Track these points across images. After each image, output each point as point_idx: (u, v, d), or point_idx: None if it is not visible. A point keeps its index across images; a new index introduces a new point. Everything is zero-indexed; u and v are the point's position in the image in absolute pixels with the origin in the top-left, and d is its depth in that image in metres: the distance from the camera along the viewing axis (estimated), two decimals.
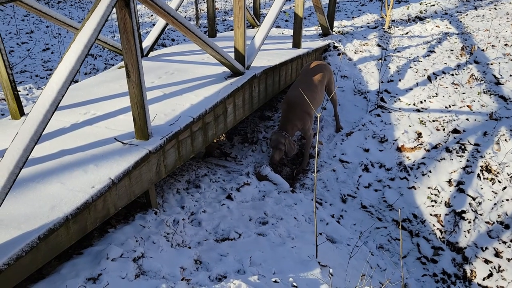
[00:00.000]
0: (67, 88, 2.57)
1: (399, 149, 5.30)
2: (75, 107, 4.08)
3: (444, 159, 5.08)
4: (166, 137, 3.47)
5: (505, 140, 5.17)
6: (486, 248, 4.46)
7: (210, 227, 3.92)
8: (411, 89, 6.11)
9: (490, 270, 4.31)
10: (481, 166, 4.94)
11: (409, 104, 5.84)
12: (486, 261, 4.38)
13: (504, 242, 4.47)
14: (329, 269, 3.44)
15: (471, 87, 5.96)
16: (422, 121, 5.55)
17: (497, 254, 4.41)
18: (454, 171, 4.97)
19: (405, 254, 4.59)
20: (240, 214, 4.23)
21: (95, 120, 3.82)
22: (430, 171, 5.01)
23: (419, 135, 5.40)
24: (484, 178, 4.86)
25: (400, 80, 6.28)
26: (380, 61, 6.71)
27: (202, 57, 5.60)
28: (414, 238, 4.68)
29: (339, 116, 5.66)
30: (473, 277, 4.32)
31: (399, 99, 5.95)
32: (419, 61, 6.67)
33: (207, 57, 5.47)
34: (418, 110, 5.73)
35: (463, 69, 6.38)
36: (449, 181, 4.90)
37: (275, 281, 3.06)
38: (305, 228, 4.33)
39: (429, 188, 4.89)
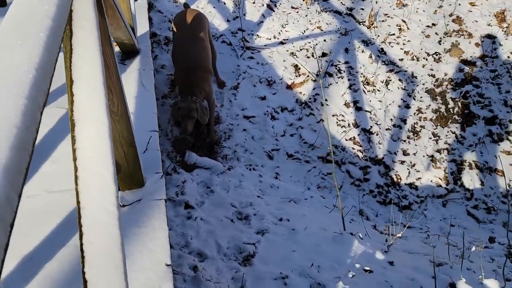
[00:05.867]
0: None
1: (290, 87, 5.19)
2: None
3: (331, 84, 5.26)
4: (161, 171, 2.39)
5: (362, 51, 5.69)
6: (396, 151, 5.05)
7: None
8: (262, 22, 5.88)
9: (407, 169, 4.95)
10: (362, 82, 5.36)
11: (270, 39, 5.65)
12: (401, 162, 5.00)
13: (404, 140, 5.15)
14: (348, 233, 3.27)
15: (308, 8, 6.14)
16: (292, 52, 5.50)
17: (405, 152, 5.06)
18: (344, 93, 5.24)
19: (340, 184, 4.76)
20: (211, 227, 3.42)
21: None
22: (326, 100, 5.14)
23: (296, 67, 5.37)
24: (368, 91, 5.31)
25: (245, 15, 5.92)
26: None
27: None
28: (342, 166, 4.87)
29: (217, 70, 5.03)
30: (399, 180, 4.89)
31: (257, 35, 5.67)
32: None
33: None
34: (282, 43, 5.63)
35: None
36: (346, 104, 5.16)
37: None
38: (272, 200, 3.92)
39: (334, 115, 5.05)
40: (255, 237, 3.24)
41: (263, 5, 6.08)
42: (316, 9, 6.10)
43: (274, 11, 6.03)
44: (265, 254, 3.02)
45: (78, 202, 1.37)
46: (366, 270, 2.85)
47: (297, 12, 6.06)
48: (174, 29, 4.40)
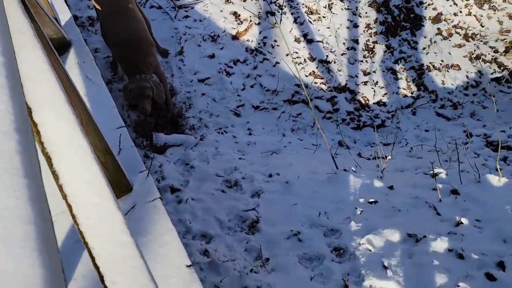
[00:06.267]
0: None
1: (236, 37, 4.92)
2: None
3: (275, 23, 5.03)
4: (145, 167, 2.20)
5: None
6: (356, 74, 4.99)
7: None
8: None
9: (372, 88, 4.94)
10: (305, 12, 5.16)
11: None
12: (365, 83, 4.97)
13: (361, 61, 5.09)
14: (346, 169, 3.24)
15: None
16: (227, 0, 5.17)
17: (365, 72, 5.02)
18: (292, 29, 5.05)
19: (312, 121, 4.69)
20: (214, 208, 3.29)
21: None
22: (275, 41, 4.93)
23: (236, 14, 5.08)
24: (314, 21, 5.13)
25: None
26: None
27: None
28: (310, 103, 4.78)
29: (156, 39, 4.66)
30: (367, 101, 4.88)
31: None
32: None
33: None
34: (228, 1, 5.25)
35: None
36: (296, 39, 4.98)
37: None
38: (254, 157, 3.82)
39: (287, 55, 4.87)
40: (252, 201, 3.14)
41: None
42: None
43: None
44: (268, 215, 2.94)
45: (85, 244, 1.19)
46: (371, 202, 2.85)
47: None
48: (97, 6, 3.96)
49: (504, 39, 5.25)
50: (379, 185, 3.05)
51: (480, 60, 5.20)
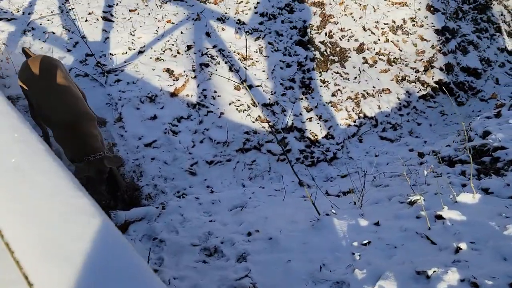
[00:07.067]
0: None
1: (175, 94, 4.76)
2: None
3: (212, 74, 4.96)
4: None
5: (223, 29, 5.46)
6: (300, 112, 5.05)
7: None
8: (107, 38, 5.20)
9: (317, 123, 5.01)
10: (239, 59, 5.16)
11: (126, 53, 5.07)
12: (309, 119, 5.03)
13: (301, 98, 5.17)
14: None
15: (147, 5, 5.63)
16: (157, 58, 5.02)
17: (307, 109, 5.10)
18: (229, 78, 5.01)
19: (268, 166, 4.63)
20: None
21: None
22: (215, 92, 4.86)
23: (169, 70, 4.94)
24: (249, 66, 5.15)
25: (85, 38, 5.16)
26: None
27: None
28: (262, 148, 4.73)
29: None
30: (316, 137, 4.93)
31: (111, 54, 5.03)
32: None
33: None
34: (141, 52, 5.09)
35: None
36: (236, 87, 4.95)
37: None
38: (224, 217, 3.63)
39: (231, 104, 4.81)
40: (241, 266, 2.93)
41: (97, 19, 5.36)
42: (156, 4, 5.61)
43: (113, 21, 5.37)
44: (264, 279, 2.75)
45: None
46: (365, 244, 2.79)
47: (138, 13, 5.50)
48: (25, 86, 3.58)
49: (421, 59, 5.69)
50: (365, 224, 3.02)
51: (406, 81, 5.55)
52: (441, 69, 5.67)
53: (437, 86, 5.62)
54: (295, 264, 2.79)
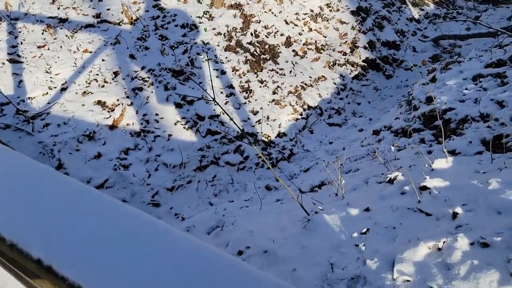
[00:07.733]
0: None
1: (115, 126, 4.41)
2: None
3: (148, 96, 4.67)
4: None
5: (146, 48, 5.18)
6: (248, 117, 4.94)
7: None
8: (21, 81, 4.68)
9: (267, 124, 4.94)
10: (172, 75, 4.91)
11: (47, 93, 4.60)
12: (258, 122, 4.94)
13: (245, 103, 5.06)
14: None
15: (56, 38, 5.17)
16: (84, 92, 4.61)
17: (253, 112, 5.00)
18: (167, 96, 4.75)
19: (230, 179, 4.48)
20: None
21: None
22: (157, 114, 4.57)
23: (100, 102, 4.56)
24: (184, 81, 4.93)
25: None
26: None
27: None
28: (220, 161, 4.54)
29: None
30: (269, 138, 4.86)
31: (29, 98, 4.52)
32: None
33: None
34: (64, 89, 4.64)
35: None
36: (176, 104, 4.70)
37: None
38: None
39: (176, 123, 4.56)
40: None
41: (3, 63, 4.80)
42: (66, 35, 5.16)
43: (22, 62, 4.84)
44: None
45: None
46: (364, 233, 2.75)
47: (48, 49, 5.02)
48: None
49: (345, 42, 5.85)
50: (355, 212, 2.98)
51: (337, 65, 5.67)
52: (365, 47, 5.87)
53: (366, 64, 5.81)
54: (302, 271, 2.67)
